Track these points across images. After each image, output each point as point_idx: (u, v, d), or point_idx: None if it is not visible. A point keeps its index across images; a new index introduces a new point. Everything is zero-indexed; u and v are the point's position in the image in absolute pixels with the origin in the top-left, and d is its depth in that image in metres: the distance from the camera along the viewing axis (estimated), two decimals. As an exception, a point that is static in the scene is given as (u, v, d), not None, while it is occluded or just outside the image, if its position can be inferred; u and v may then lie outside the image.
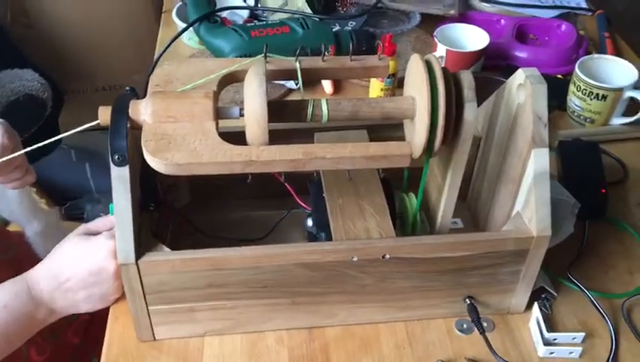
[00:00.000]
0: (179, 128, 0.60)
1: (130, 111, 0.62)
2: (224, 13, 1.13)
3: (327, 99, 0.63)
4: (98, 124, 0.63)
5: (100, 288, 0.69)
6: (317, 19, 1.12)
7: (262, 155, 0.59)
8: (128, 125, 0.62)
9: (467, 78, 0.64)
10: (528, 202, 0.67)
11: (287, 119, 0.64)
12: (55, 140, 0.67)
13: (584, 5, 1.30)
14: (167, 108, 0.61)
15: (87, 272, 0.68)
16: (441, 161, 0.71)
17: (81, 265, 0.68)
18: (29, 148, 0.68)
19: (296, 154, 0.60)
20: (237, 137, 0.61)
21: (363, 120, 0.64)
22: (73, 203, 1.32)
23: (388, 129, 0.78)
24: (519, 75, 0.68)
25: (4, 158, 0.70)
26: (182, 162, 0.58)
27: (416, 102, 0.63)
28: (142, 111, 0.62)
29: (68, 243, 0.70)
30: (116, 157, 0.61)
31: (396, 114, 0.64)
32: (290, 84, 1.07)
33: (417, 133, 0.63)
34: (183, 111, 0.61)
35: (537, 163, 0.66)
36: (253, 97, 0.60)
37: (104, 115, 0.62)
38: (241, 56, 1.02)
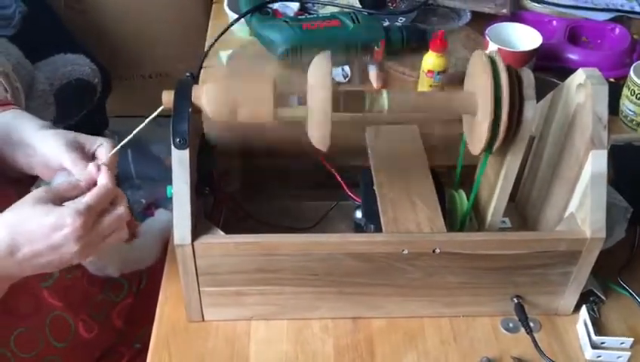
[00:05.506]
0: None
1: (192, 96, 0.63)
2: (275, 5, 1.14)
3: (388, 91, 0.64)
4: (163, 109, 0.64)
5: (59, 256, 0.62)
6: (366, 13, 1.12)
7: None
8: (190, 110, 0.63)
9: (527, 76, 0.64)
10: (583, 203, 0.67)
11: (346, 109, 0.64)
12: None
13: (638, 9, 1.28)
14: (227, 93, 0.62)
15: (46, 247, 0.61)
16: (495, 159, 0.71)
17: (40, 240, 0.60)
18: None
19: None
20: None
21: (424, 113, 0.64)
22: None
23: (440, 125, 0.78)
24: (579, 75, 0.67)
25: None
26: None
27: (479, 98, 0.63)
28: (202, 95, 0.63)
29: (28, 208, 0.62)
30: (178, 140, 0.63)
31: (458, 109, 0.64)
32: (339, 77, 1.07)
33: (479, 128, 0.63)
34: (243, 96, 0.62)
35: (595, 164, 0.65)
36: (319, 87, 0.60)
37: (168, 98, 0.63)
38: (292, 48, 1.03)
